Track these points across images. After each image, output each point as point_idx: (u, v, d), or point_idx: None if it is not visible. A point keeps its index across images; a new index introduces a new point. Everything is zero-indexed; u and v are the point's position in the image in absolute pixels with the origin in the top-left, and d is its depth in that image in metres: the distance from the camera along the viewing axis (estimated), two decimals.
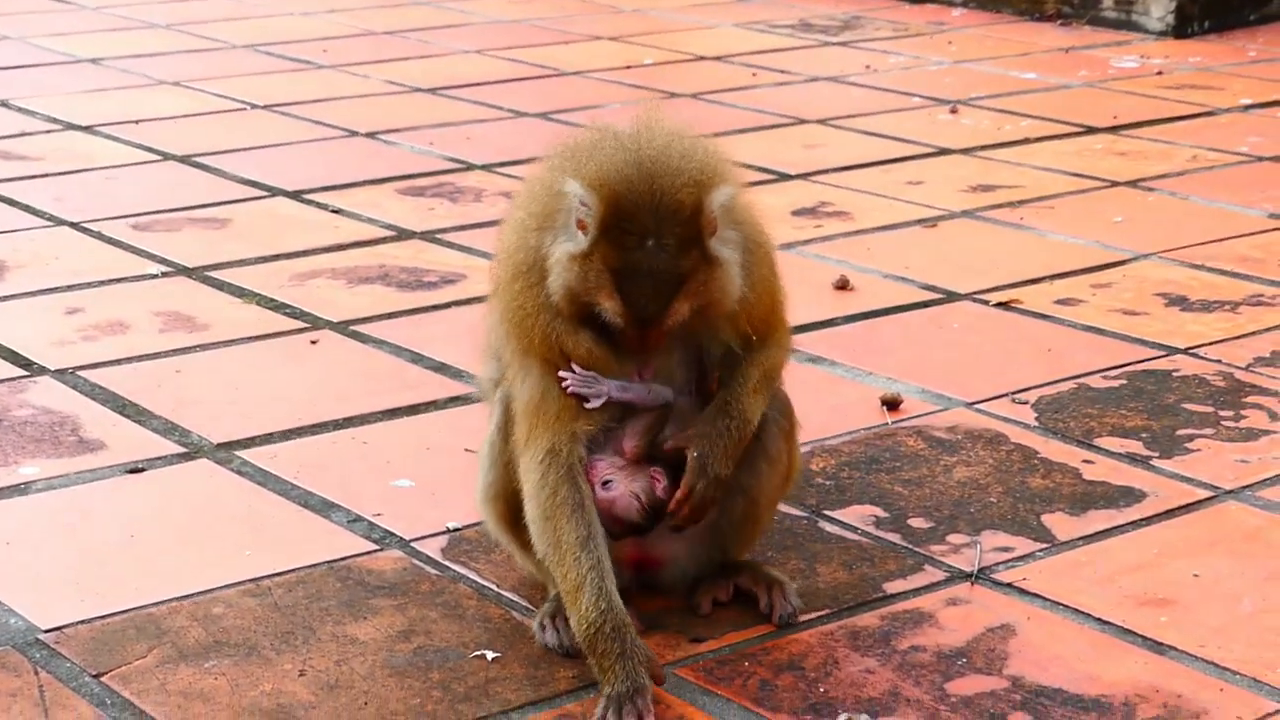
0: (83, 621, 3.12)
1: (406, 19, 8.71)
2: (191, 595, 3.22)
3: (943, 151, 6.31)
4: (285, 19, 8.75)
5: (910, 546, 3.42)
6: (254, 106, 6.90)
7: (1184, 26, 8.39)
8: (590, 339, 2.93)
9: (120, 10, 8.94)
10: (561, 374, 2.95)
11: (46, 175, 5.90)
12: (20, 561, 3.35)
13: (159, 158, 6.15)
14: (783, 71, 7.58)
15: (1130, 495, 3.64)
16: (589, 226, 2.82)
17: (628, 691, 2.83)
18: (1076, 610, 3.19)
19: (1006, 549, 3.41)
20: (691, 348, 3.04)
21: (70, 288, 4.82)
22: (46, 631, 3.09)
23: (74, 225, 5.37)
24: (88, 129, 6.51)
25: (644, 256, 2.80)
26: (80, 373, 4.23)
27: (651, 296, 2.82)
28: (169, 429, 3.92)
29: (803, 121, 6.73)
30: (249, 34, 8.32)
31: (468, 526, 3.45)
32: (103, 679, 2.94)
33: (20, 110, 6.79)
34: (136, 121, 6.62)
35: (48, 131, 6.48)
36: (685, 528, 3.03)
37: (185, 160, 6.11)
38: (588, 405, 2.96)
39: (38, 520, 3.51)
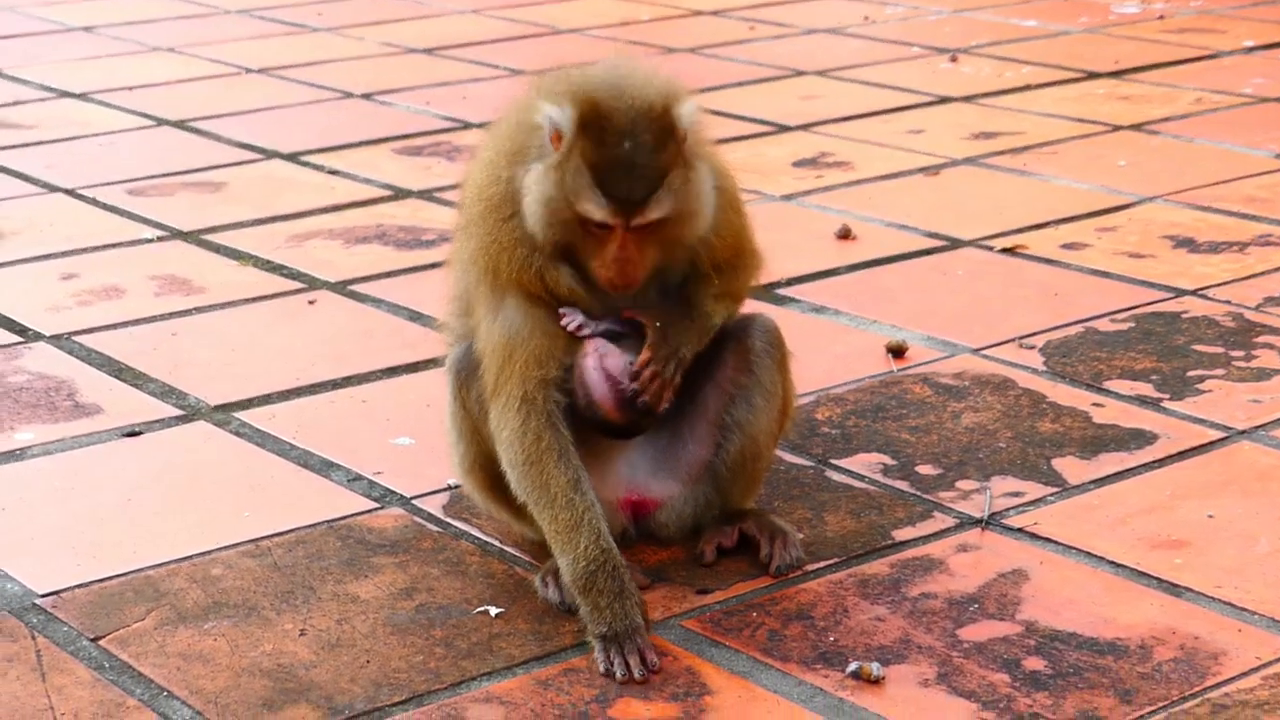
0: (80, 585, 3.08)
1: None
2: (190, 557, 3.17)
3: (943, 100, 6.25)
4: None
5: (918, 494, 3.37)
6: (248, 70, 6.84)
7: None
8: (571, 274, 2.91)
9: None
10: (562, 310, 2.94)
11: (40, 143, 5.85)
12: (16, 526, 3.30)
13: (153, 123, 6.09)
14: (780, 24, 7.51)
15: (1141, 438, 3.58)
16: (565, 134, 2.82)
17: (627, 630, 2.81)
18: (1089, 554, 3.14)
19: (1017, 494, 3.36)
20: (666, 288, 3.01)
21: (65, 254, 4.77)
22: (43, 596, 3.04)
23: (68, 192, 5.32)
24: (81, 96, 6.45)
25: (623, 152, 2.81)
26: (76, 338, 4.18)
27: (634, 187, 2.81)
28: (166, 391, 3.87)
29: (800, 73, 6.67)
30: (242, 0, 8.27)
31: None
32: (100, 642, 2.89)
33: (12, 79, 6.74)
34: (130, 88, 6.56)
35: (41, 100, 6.43)
36: (655, 407, 2.96)
37: (180, 125, 6.05)
38: (581, 333, 2.94)
39: (34, 485, 3.46)
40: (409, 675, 2.79)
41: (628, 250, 2.87)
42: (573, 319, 2.97)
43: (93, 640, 2.90)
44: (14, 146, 5.80)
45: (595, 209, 2.82)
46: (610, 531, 2.92)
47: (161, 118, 6.15)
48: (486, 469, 3.05)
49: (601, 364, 2.97)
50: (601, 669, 2.80)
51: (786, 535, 3.13)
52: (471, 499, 3.21)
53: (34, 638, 2.91)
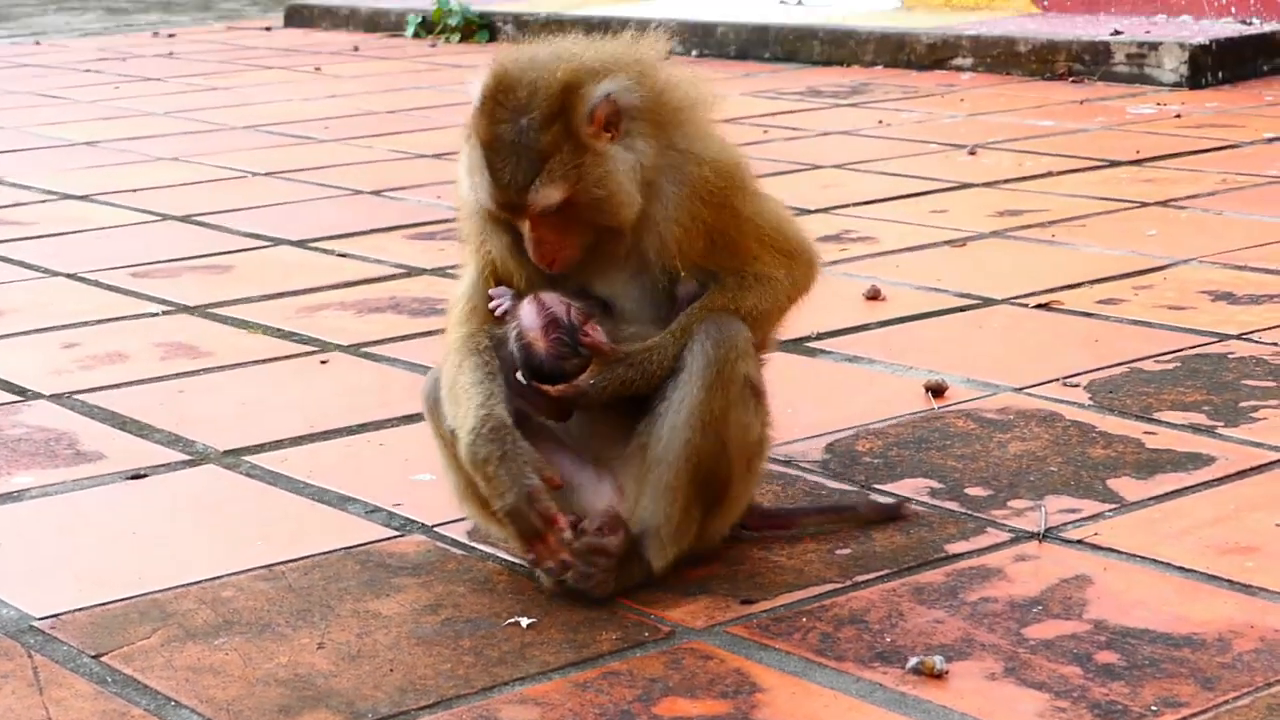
0: (80, 609, 2.89)
1: (408, 100, 8.55)
2: (199, 582, 2.98)
3: (964, 185, 6.12)
4: (285, 104, 8.59)
5: (970, 512, 3.19)
6: (254, 174, 6.72)
7: (1197, 77, 8.23)
8: (505, 244, 2.81)
9: (115, 102, 8.79)
10: (492, 291, 2.87)
11: (41, 236, 5.71)
12: (13, 559, 3.12)
13: (157, 218, 5.96)
14: (794, 129, 7.41)
15: (1198, 460, 3.40)
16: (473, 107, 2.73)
17: (520, 497, 2.68)
18: (1155, 560, 2.95)
19: (1073, 510, 3.18)
20: (642, 274, 2.84)
21: (66, 326, 4.61)
22: (41, 619, 2.85)
23: (70, 275, 5.17)
24: (83, 198, 6.32)
25: (508, 130, 2.69)
26: (77, 396, 4.01)
27: (515, 170, 2.68)
28: (172, 440, 3.69)
29: (818, 167, 6.55)
30: (248, 117, 8.17)
31: None
32: (103, 659, 2.70)
33: (13, 185, 6.61)
34: (134, 190, 6.43)
35: (42, 201, 6.30)
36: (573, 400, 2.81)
37: (185, 219, 5.92)
38: (495, 312, 2.85)
39: (32, 522, 3.29)
40: (436, 682, 2.59)
41: (541, 233, 2.76)
42: (500, 301, 2.86)
43: (94, 657, 2.71)
44: (13, 240, 5.66)
45: (482, 192, 2.73)
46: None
47: (166, 214, 6.01)
48: (477, 492, 2.86)
49: (539, 299, 2.82)
50: (531, 568, 2.75)
51: (601, 558, 2.80)
52: (480, 526, 3.02)
53: (30, 656, 2.72)
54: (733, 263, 2.85)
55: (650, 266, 2.85)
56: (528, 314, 2.83)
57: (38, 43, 11.73)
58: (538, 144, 2.70)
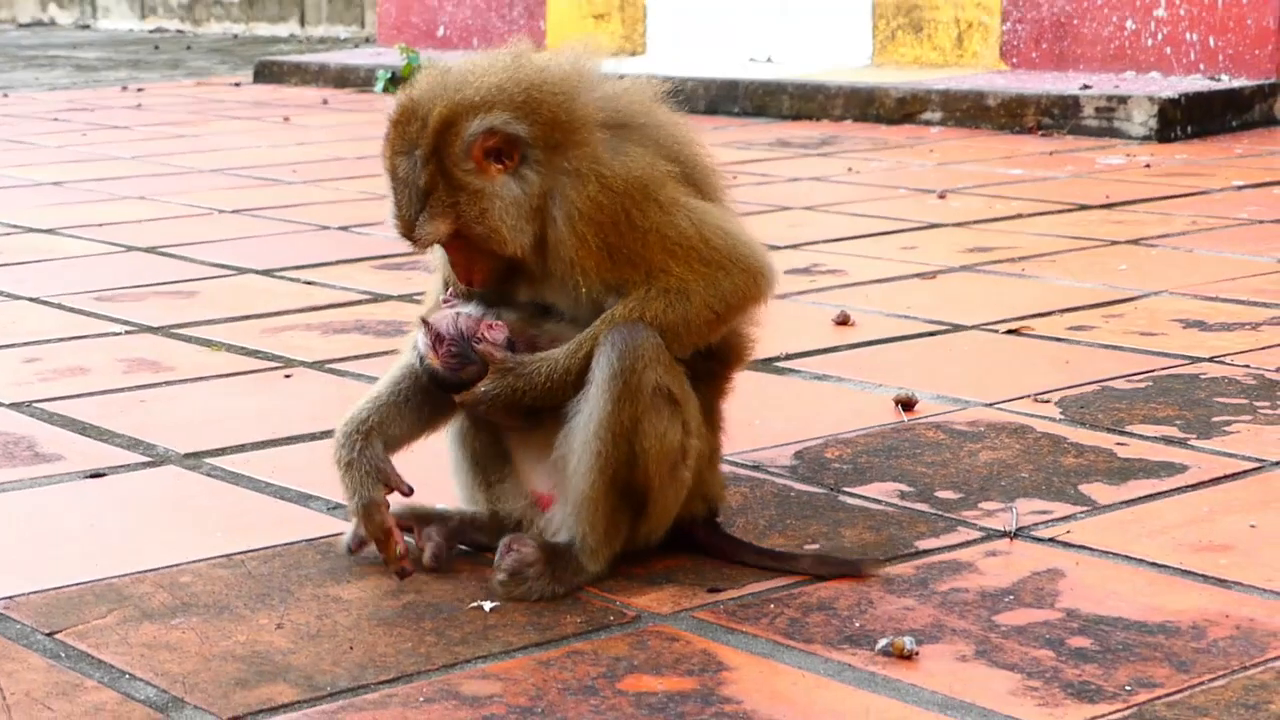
0: (35, 592, 2.83)
1: (377, 147, 8.50)
2: (157, 569, 2.92)
3: (934, 225, 6.10)
4: (253, 150, 8.56)
5: (940, 513, 3.15)
6: (221, 211, 6.68)
7: (1167, 131, 8.25)
8: (443, 255, 2.89)
9: (83, 148, 8.74)
10: (445, 297, 2.93)
11: (4, 265, 5.65)
12: None
13: (122, 249, 5.91)
14: (763, 175, 7.40)
15: (1171, 468, 3.38)
16: None
17: (359, 506, 2.78)
18: (1128, 557, 2.92)
19: (1044, 512, 3.15)
20: (565, 288, 2.83)
21: (27, 344, 4.55)
22: None
23: (32, 299, 5.11)
24: (49, 231, 6.27)
25: (403, 163, 2.76)
26: (37, 405, 3.95)
27: (405, 205, 2.76)
28: (133, 444, 3.64)
29: (787, 209, 6.53)
30: (216, 162, 8.13)
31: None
32: (56, 636, 2.65)
33: None
34: (100, 224, 6.39)
35: (5, 234, 6.24)
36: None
37: (150, 250, 5.87)
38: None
39: None
40: (397, 659, 2.55)
41: (452, 255, 2.83)
42: (447, 306, 2.91)
43: (48, 635, 2.65)
44: None
45: (389, 219, 2.81)
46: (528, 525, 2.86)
47: (131, 245, 5.96)
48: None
49: (455, 313, 2.86)
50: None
51: (528, 577, 2.78)
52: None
53: None
54: (636, 275, 2.79)
55: (566, 283, 2.82)
56: (421, 333, 2.87)
57: (5, 95, 11.70)
58: (419, 181, 2.75)
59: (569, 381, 2.78)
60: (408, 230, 2.77)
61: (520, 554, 2.77)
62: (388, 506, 2.84)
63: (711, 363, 2.93)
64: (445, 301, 2.93)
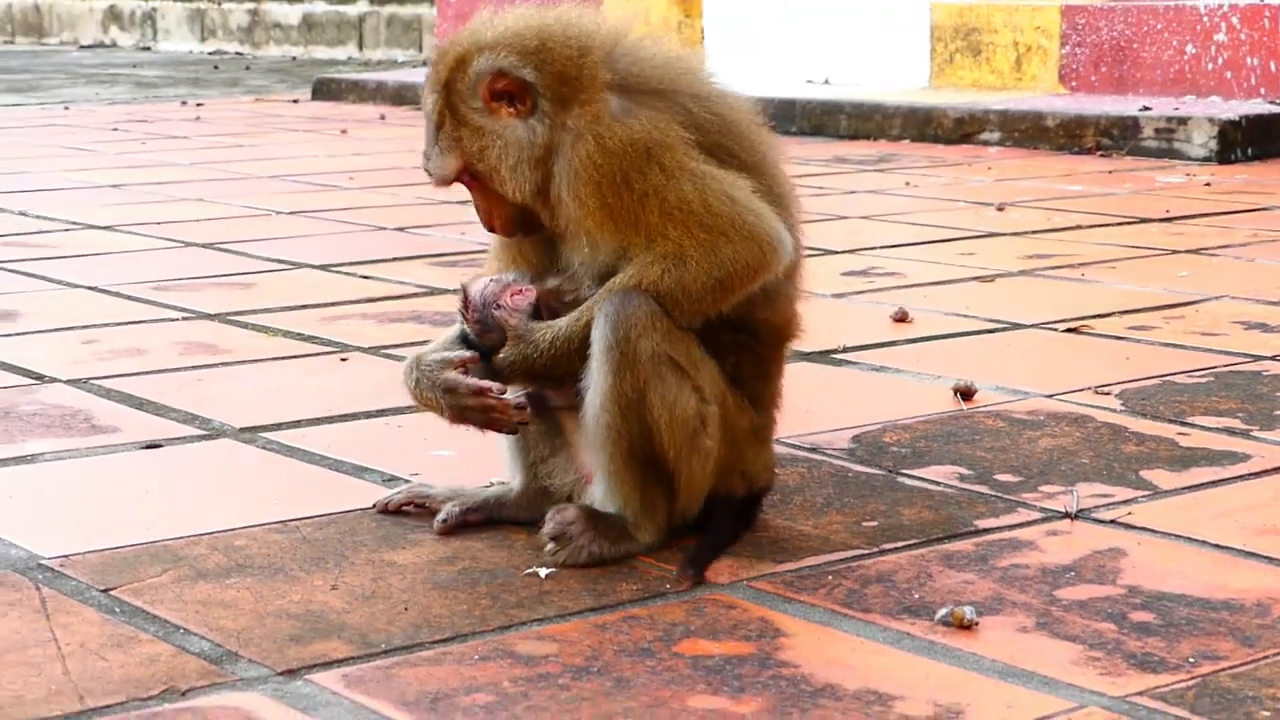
0: (90, 551, 2.82)
1: None
2: (212, 532, 2.91)
3: (992, 234, 6.07)
4: (310, 159, 8.59)
5: (999, 495, 3.12)
6: (279, 213, 6.69)
7: (1227, 153, 8.20)
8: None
9: (142, 155, 8.78)
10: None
11: (62, 257, 5.67)
12: (22, 509, 3.06)
13: (180, 244, 5.92)
14: (820, 188, 7.38)
15: (1233, 457, 3.34)
16: None
17: (445, 400, 2.80)
18: (1190, 539, 2.88)
19: (1105, 495, 3.11)
20: (579, 248, 2.81)
21: (86, 327, 4.56)
22: (49, 558, 2.78)
23: (90, 288, 5.12)
24: (108, 228, 6.29)
25: (425, 100, 2.85)
26: (94, 381, 3.95)
27: (425, 140, 2.82)
28: (189, 418, 3.64)
29: (844, 218, 6.51)
30: (273, 169, 8.15)
31: None
32: (111, 593, 2.64)
33: (37, 217, 6.58)
34: (158, 222, 6.40)
35: (65, 230, 6.27)
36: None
37: (208, 246, 5.88)
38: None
39: (45, 480, 3.23)
40: (452, 620, 2.53)
41: (474, 198, 2.85)
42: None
43: (103, 591, 2.64)
44: (35, 259, 5.62)
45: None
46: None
47: (189, 241, 5.97)
48: None
49: (488, 279, 2.87)
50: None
51: (572, 536, 2.76)
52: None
53: (39, 589, 2.65)
54: (637, 239, 2.75)
55: (578, 245, 2.81)
56: (459, 299, 2.88)
57: (66, 108, 11.77)
58: (433, 114, 2.81)
59: (573, 350, 2.77)
60: (425, 163, 2.83)
61: (562, 517, 2.76)
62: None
63: (742, 335, 2.87)
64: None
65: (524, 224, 2.85)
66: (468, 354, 2.83)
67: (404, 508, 2.99)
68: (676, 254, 2.74)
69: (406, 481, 3.17)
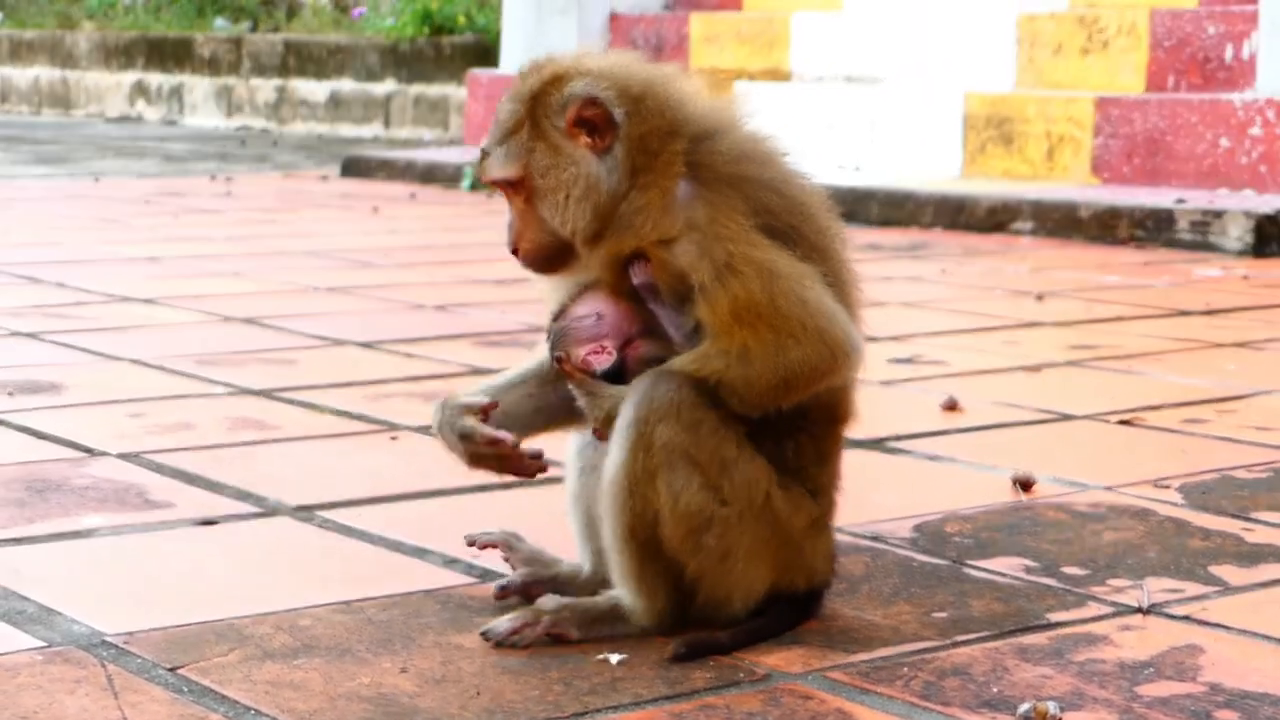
0: (155, 629, 2.78)
1: (469, 238, 8.53)
2: (276, 612, 2.88)
3: (1035, 324, 6.05)
4: (344, 236, 8.57)
5: (1068, 588, 3.08)
6: (317, 289, 6.68)
7: (1263, 246, 8.18)
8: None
9: (175, 229, 8.78)
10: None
11: (104, 329, 5.64)
12: (83, 583, 3.03)
13: (220, 318, 5.90)
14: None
15: None
16: None
17: (462, 449, 2.81)
18: (1268, 636, 2.84)
19: (1175, 590, 3.07)
20: (664, 300, 2.76)
21: (131, 400, 4.53)
22: (113, 635, 2.75)
23: (134, 360, 5.10)
24: (147, 301, 6.27)
25: (502, 105, 2.80)
26: (145, 455, 3.92)
27: (489, 138, 2.79)
28: (242, 495, 3.61)
29: (882, 304, 6.48)
30: (308, 245, 8.14)
31: None
32: (178, 671, 2.60)
33: (75, 288, 6.57)
34: (197, 296, 6.39)
35: (105, 302, 6.25)
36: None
37: (249, 321, 5.86)
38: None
39: (102, 555, 3.20)
40: (525, 705, 2.49)
41: (511, 213, 2.78)
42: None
43: (169, 670, 2.61)
44: (74, 330, 5.60)
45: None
46: None
47: (229, 315, 5.96)
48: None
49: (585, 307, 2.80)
50: None
51: (539, 619, 2.75)
52: None
53: (104, 666, 2.61)
54: (720, 323, 2.70)
55: (656, 288, 2.79)
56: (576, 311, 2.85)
57: (96, 180, 11.78)
58: (509, 120, 2.76)
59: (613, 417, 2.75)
60: (483, 160, 2.77)
61: (541, 603, 2.77)
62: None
63: (796, 417, 2.81)
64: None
65: (552, 258, 2.80)
66: (487, 401, 2.80)
67: (489, 548, 3.00)
68: (741, 352, 2.69)
69: (468, 564, 3.13)
